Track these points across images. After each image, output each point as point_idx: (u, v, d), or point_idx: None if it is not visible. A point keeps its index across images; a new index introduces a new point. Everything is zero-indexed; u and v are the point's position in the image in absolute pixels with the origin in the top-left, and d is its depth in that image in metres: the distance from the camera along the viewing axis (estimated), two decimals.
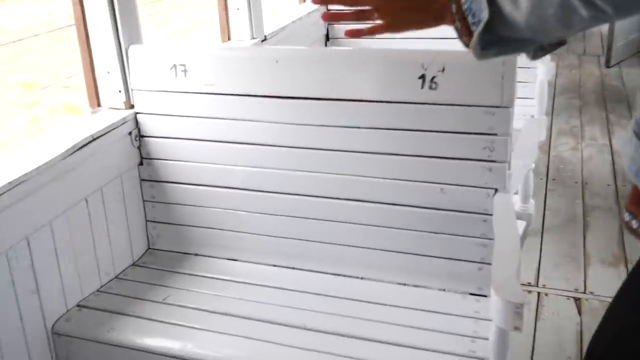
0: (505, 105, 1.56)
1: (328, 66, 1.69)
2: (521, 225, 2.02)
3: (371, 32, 1.06)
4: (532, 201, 2.24)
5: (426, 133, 1.65)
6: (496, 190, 1.63)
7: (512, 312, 1.21)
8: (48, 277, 1.62)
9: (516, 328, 1.23)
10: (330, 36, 3.28)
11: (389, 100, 1.64)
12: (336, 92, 1.68)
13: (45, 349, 1.64)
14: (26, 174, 1.49)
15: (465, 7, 0.97)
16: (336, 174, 1.75)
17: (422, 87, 1.61)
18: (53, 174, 1.57)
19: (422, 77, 1.61)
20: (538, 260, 2.67)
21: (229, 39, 2.61)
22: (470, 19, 0.97)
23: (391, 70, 1.62)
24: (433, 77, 1.60)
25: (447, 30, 1.02)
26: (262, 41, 2.62)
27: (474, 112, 1.59)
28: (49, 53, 8.18)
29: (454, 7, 0.98)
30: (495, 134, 1.59)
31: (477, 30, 0.96)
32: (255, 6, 2.55)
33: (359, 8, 1.05)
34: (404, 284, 1.76)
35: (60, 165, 1.59)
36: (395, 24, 1.05)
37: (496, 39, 0.98)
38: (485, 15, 0.94)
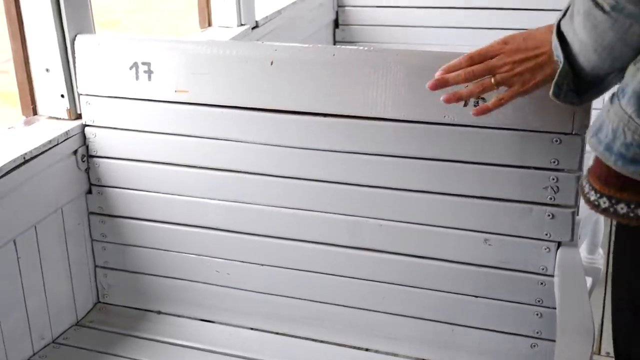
0: (577, 132, 1.43)
1: (340, 71, 1.55)
2: (587, 282, 1.90)
3: (500, 102, 1.31)
4: (600, 251, 2.09)
5: (467, 165, 1.51)
6: (559, 243, 1.50)
7: None
8: None
9: None
10: (340, 22, 3.17)
11: (419, 120, 1.51)
12: (349, 106, 1.55)
13: None
14: None
15: (553, 49, 1.21)
16: (345, 214, 1.62)
17: (465, 104, 1.48)
18: None
19: None
20: (601, 319, 2.54)
21: (209, 24, 2.49)
22: (561, 65, 1.19)
23: (423, 79, 1.48)
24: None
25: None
26: (253, 29, 2.50)
27: (533, 139, 1.46)
28: None
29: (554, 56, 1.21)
30: (561, 170, 1.46)
31: (556, 77, 1.19)
32: None
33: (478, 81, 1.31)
34: None
35: None
36: (520, 89, 1.29)
37: (588, 82, 1.20)
38: (561, 57, 1.18)
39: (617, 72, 1.16)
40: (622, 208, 1.08)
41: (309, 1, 2.92)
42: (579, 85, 1.20)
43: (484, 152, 1.50)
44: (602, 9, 1.02)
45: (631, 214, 1.07)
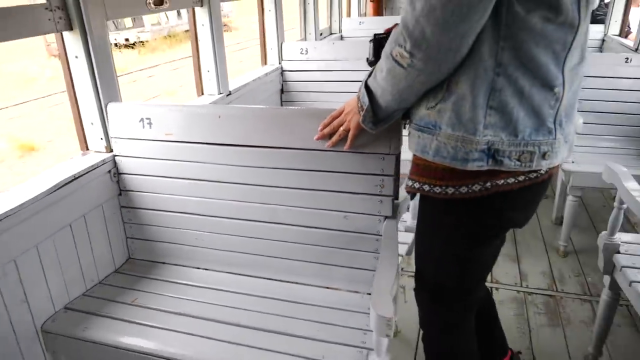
0: (392, 153, 1.43)
1: (259, 121, 1.52)
2: (410, 236, 1.89)
3: (351, 140, 1.34)
4: None
5: (334, 173, 1.50)
6: (386, 217, 1.50)
7: (384, 324, 1.08)
8: (36, 288, 1.44)
9: (387, 335, 1.09)
10: (284, 90, 3.14)
11: (307, 148, 1.50)
12: (266, 141, 1.53)
13: (35, 345, 1.46)
14: (12, 209, 1.32)
15: (360, 102, 1.17)
16: (268, 204, 1.59)
17: (330, 137, 1.46)
18: (37, 208, 1.40)
19: None
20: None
21: (202, 93, 2.45)
22: (365, 109, 1.16)
23: (309, 125, 1.47)
24: None
25: None
26: (227, 95, 2.47)
27: (370, 157, 1.45)
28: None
29: (359, 104, 1.18)
30: (385, 175, 1.46)
31: (362, 114, 1.16)
32: (221, 69, 2.39)
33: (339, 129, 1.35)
34: (319, 286, 1.62)
35: (45, 200, 1.41)
36: (355, 130, 1.29)
37: (381, 118, 1.16)
38: (367, 103, 1.13)
39: (400, 111, 1.14)
40: (476, 187, 1.06)
41: (264, 79, 2.89)
42: (375, 119, 1.18)
43: (344, 165, 1.48)
44: (401, 65, 0.99)
45: (483, 189, 1.05)
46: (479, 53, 0.95)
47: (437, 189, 1.09)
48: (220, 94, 2.41)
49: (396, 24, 1.31)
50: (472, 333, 1.40)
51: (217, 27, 2.33)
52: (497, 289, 2.47)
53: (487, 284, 2.48)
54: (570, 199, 2.62)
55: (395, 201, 1.49)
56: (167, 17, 14.72)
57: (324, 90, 2.99)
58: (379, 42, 1.28)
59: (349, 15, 5.06)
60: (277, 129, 1.50)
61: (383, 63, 1.04)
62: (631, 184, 1.74)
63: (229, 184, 1.60)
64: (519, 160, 1.00)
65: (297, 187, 1.55)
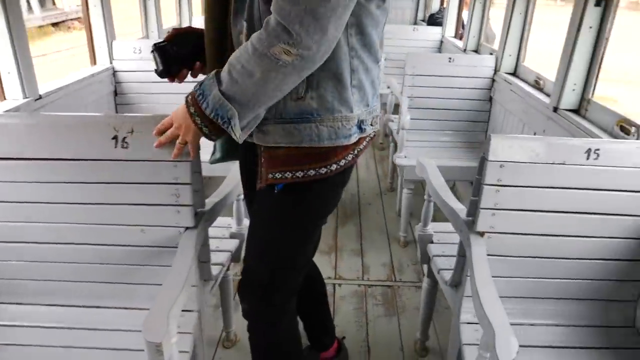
0: (185, 160, 1.32)
1: (34, 131, 1.34)
2: (235, 242, 1.83)
3: (195, 152, 1.22)
4: (246, 222, 2.05)
5: (124, 185, 1.37)
6: (187, 228, 1.40)
7: (153, 349, 0.99)
8: None
9: None
10: (118, 92, 2.91)
11: (90, 158, 1.35)
12: (44, 153, 1.35)
13: None
14: None
15: (212, 115, 1.04)
16: (53, 222, 1.41)
17: (115, 147, 1.34)
18: None
19: (115, 137, 1.34)
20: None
21: (5, 98, 2.15)
22: (220, 121, 1.04)
23: (89, 133, 1.33)
24: (124, 138, 1.33)
25: None
26: (37, 99, 2.19)
27: (161, 165, 1.34)
28: None
29: (198, 120, 1.07)
30: (180, 183, 1.36)
31: (234, 125, 1.04)
32: (26, 70, 2.11)
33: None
34: (119, 308, 1.48)
35: None
36: (193, 142, 1.18)
37: (245, 124, 1.06)
38: (233, 112, 1.02)
39: (264, 111, 1.08)
40: (349, 157, 1.18)
41: (90, 80, 2.64)
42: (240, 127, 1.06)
43: (133, 175, 1.36)
44: (284, 62, 0.96)
45: (353, 156, 1.19)
46: (337, 41, 1.04)
47: (323, 170, 1.15)
48: (27, 98, 2.13)
49: (176, 29, 1.25)
50: (295, 318, 1.45)
51: (16, 21, 2.05)
52: (340, 285, 2.51)
53: (331, 281, 2.52)
54: (405, 191, 2.75)
55: (200, 210, 1.41)
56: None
57: (162, 91, 2.82)
58: (162, 50, 1.21)
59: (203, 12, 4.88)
60: (57, 139, 1.34)
61: (253, 65, 0.98)
62: (436, 178, 1.84)
63: (2, 203, 1.39)
64: (371, 125, 1.20)
65: (84, 202, 1.39)
